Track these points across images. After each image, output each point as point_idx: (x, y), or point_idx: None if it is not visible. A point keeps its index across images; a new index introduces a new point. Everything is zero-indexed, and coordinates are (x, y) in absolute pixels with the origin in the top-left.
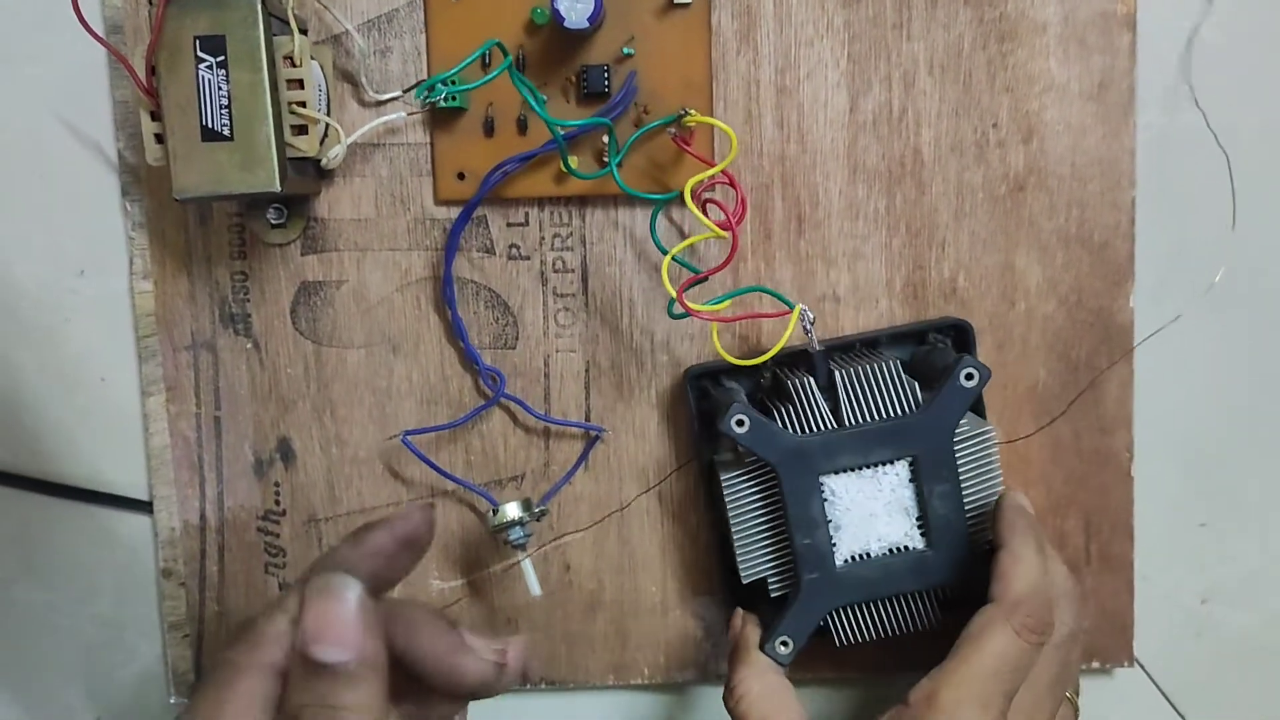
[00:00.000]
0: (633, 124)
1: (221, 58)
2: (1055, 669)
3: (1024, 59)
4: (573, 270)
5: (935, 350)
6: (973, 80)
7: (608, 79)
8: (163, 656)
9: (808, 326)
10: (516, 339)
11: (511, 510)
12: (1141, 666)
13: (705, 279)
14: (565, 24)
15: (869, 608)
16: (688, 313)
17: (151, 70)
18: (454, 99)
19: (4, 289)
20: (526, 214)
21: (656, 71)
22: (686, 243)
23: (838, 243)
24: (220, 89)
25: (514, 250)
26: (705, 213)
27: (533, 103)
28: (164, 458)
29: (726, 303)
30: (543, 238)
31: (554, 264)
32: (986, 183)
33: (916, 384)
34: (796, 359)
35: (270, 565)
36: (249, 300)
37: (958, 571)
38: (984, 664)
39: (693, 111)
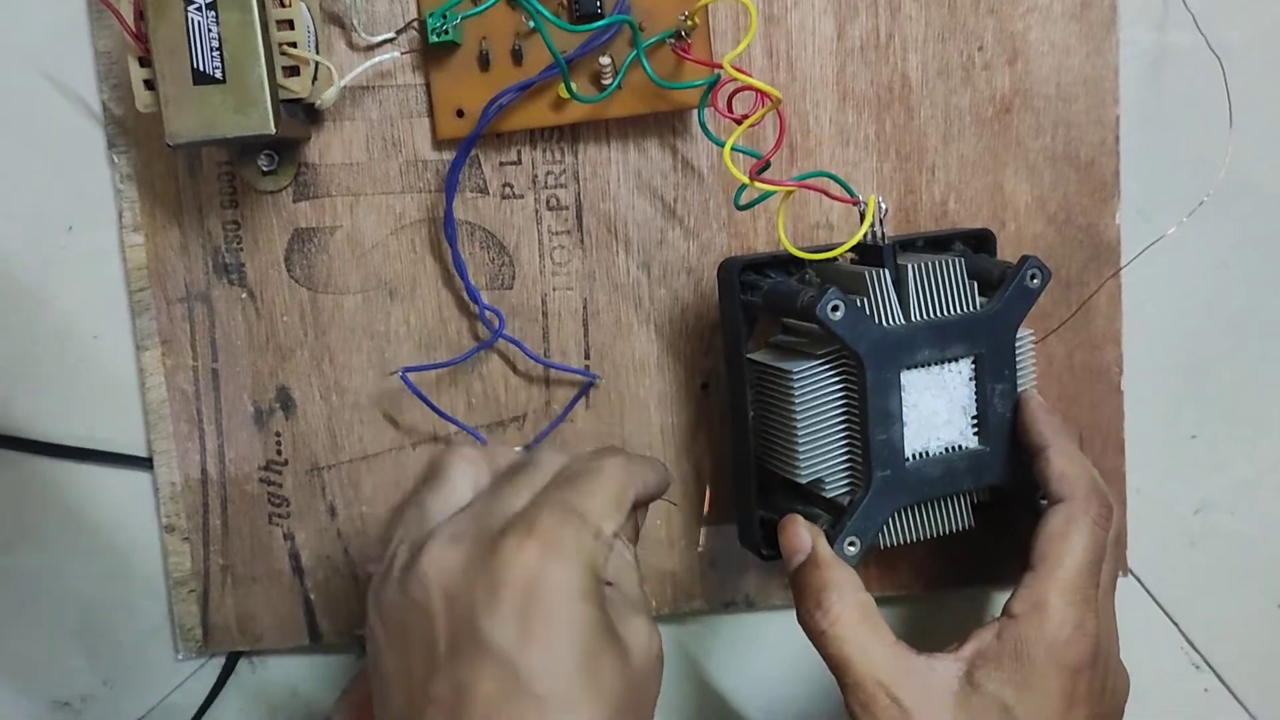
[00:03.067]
0: (628, 43)
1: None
2: (1113, 548)
3: None
4: (567, 207)
5: (967, 255)
6: (957, 4)
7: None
8: (168, 614)
9: (881, 218)
10: (513, 279)
11: None
12: (1136, 578)
13: (769, 162)
14: None
15: (918, 509)
16: (765, 188)
17: (139, 15)
18: (448, 33)
19: None
20: (519, 152)
21: None
22: (745, 125)
23: (830, 166)
24: (210, 31)
25: (508, 189)
26: (731, 109)
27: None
28: (162, 412)
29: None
30: (536, 175)
31: (548, 201)
32: (974, 105)
33: (976, 285)
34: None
35: (274, 516)
36: (242, 249)
37: (1011, 470)
38: (1079, 560)
39: (691, 13)
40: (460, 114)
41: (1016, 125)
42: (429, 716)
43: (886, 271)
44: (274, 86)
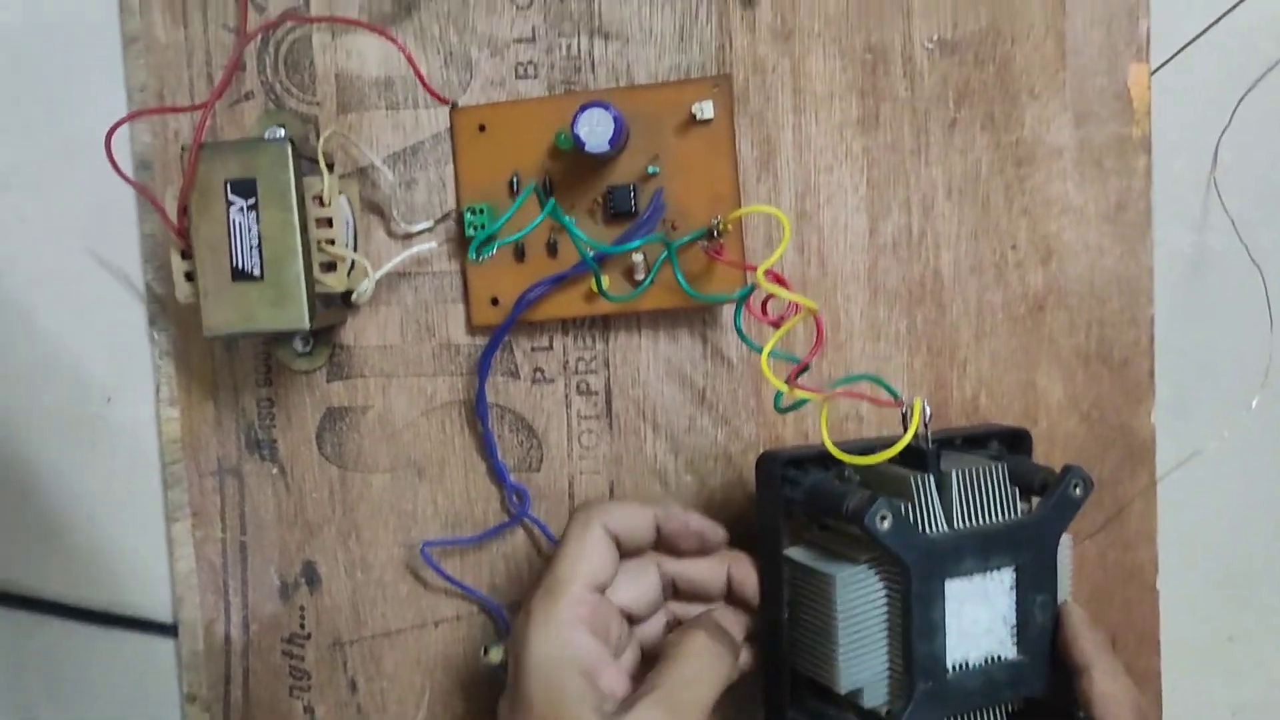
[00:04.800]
0: (661, 241)
1: (252, 200)
2: None
3: (1041, 182)
4: (597, 393)
5: (1006, 456)
6: (991, 203)
7: (634, 198)
8: None
9: (927, 421)
10: (541, 461)
11: (498, 655)
12: None
13: (808, 365)
14: (587, 148)
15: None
16: (803, 395)
17: (183, 211)
18: (483, 227)
19: (32, 415)
20: (550, 338)
21: (683, 187)
22: (780, 333)
23: (860, 364)
24: (251, 229)
25: (539, 374)
26: (766, 311)
27: (577, 235)
28: (189, 582)
29: (836, 391)
30: (566, 361)
31: (578, 386)
32: (1006, 302)
33: (1017, 490)
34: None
35: (295, 689)
36: (275, 426)
37: (1049, 682)
38: None
39: (725, 219)
40: (495, 302)
41: (1049, 323)
42: None
43: (930, 477)
44: (311, 282)
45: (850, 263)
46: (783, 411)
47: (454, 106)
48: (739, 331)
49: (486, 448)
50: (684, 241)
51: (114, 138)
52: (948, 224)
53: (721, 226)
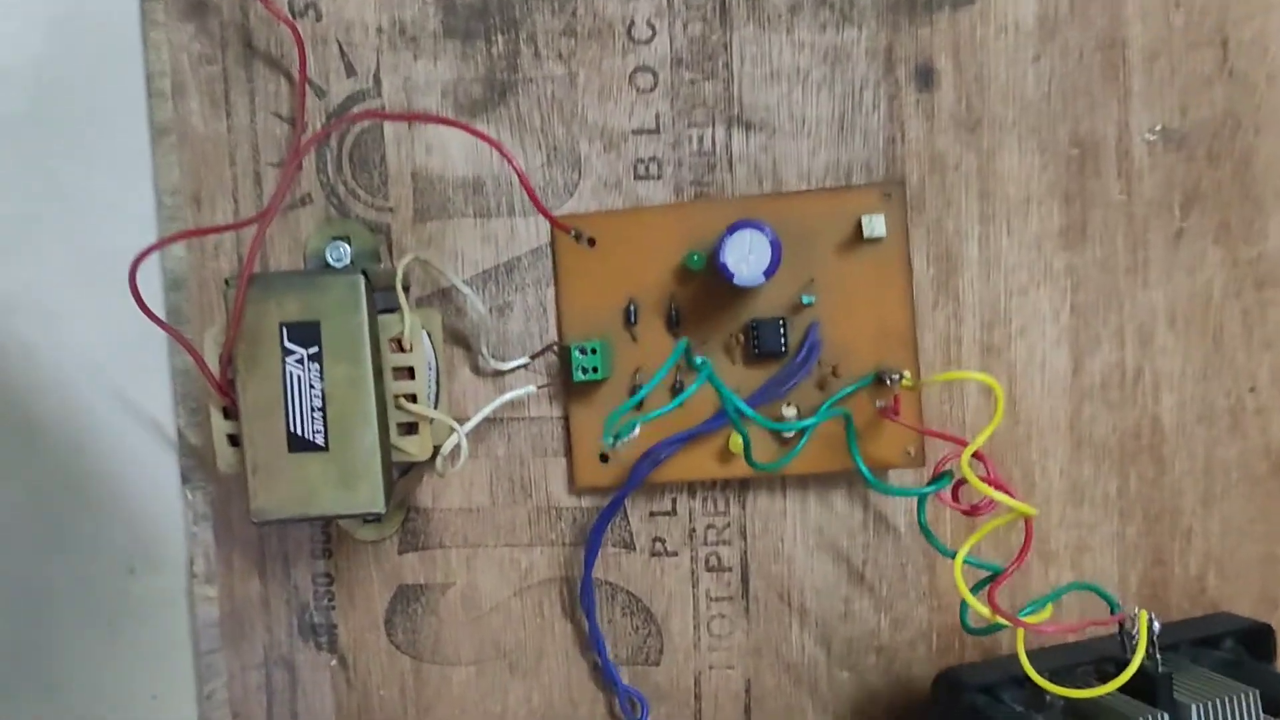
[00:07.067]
0: (815, 387)
1: (315, 349)
2: None
3: None
4: (730, 569)
5: (1244, 663)
6: (1224, 335)
7: (784, 336)
8: None
9: (1155, 638)
10: (661, 653)
11: None
12: None
13: (1008, 576)
14: (735, 281)
15: None
16: (1002, 623)
17: (227, 361)
18: (595, 370)
19: (42, 588)
20: (674, 500)
21: (844, 321)
22: (981, 532)
23: (1058, 533)
24: (313, 387)
25: (658, 545)
26: (957, 498)
27: (727, 396)
28: None
29: (1048, 608)
30: (693, 530)
31: (707, 561)
32: (1242, 459)
33: None
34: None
35: None
36: (334, 608)
37: None
38: None
39: (905, 374)
40: (605, 459)
41: None
42: None
43: (1166, 715)
44: (387, 453)
45: (1048, 409)
46: (973, 633)
47: (576, 236)
48: (925, 530)
49: (594, 645)
50: (846, 393)
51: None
52: (1170, 360)
53: (903, 383)
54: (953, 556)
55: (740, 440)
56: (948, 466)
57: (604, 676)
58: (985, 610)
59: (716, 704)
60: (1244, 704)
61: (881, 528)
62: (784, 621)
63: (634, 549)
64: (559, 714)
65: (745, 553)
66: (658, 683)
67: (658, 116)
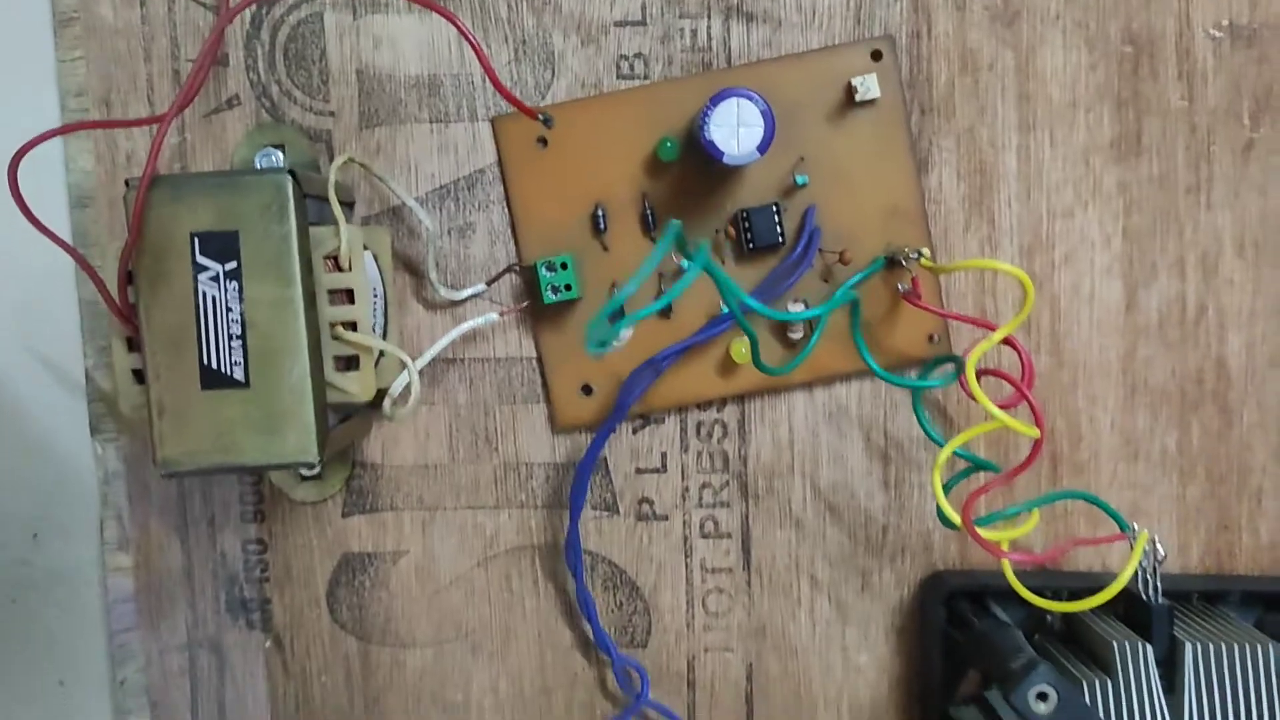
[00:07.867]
0: (820, 279)
1: (233, 264)
2: None
3: None
4: (729, 535)
5: None
6: None
7: (779, 223)
8: None
9: (1155, 564)
10: (648, 634)
11: None
12: None
13: (991, 487)
14: (725, 160)
15: None
16: (981, 542)
17: (127, 279)
18: (569, 288)
19: None
20: (663, 455)
21: (844, 201)
22: (972, 431)
23: (1109, 492)
24: (230, 310)
25: (645, 508)
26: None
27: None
28: None
29: (1033, 514)
30: (686, 489)
31: (702, 526)
32: None
33: None
34: (1114, 603)
35: None
36: (268, 580)
37: None
38: None
39: (924, 251)
40: (588, 390)
41: None
42: None
43: (1147, 647)
44: (321, 392)
45: (1097, 349)
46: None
47: (546, 121)
48: (919, 416)
49: (583, 609)
50: (860, 279)
51: (39, 164)
52: (1238, 294)
53: (920, 260)
54: (941, 444)
55: (745, 345)
56: (963, 355)
57: (596, 646)
58: (957, 519)
59: (713, 692)
60: (1252, 655)
61: (904, 487)
62: (793, 595)
63: (617, 512)
64: (530, 703)
65: (746, 515)
66: (646, 666)
67: (644, 5)
